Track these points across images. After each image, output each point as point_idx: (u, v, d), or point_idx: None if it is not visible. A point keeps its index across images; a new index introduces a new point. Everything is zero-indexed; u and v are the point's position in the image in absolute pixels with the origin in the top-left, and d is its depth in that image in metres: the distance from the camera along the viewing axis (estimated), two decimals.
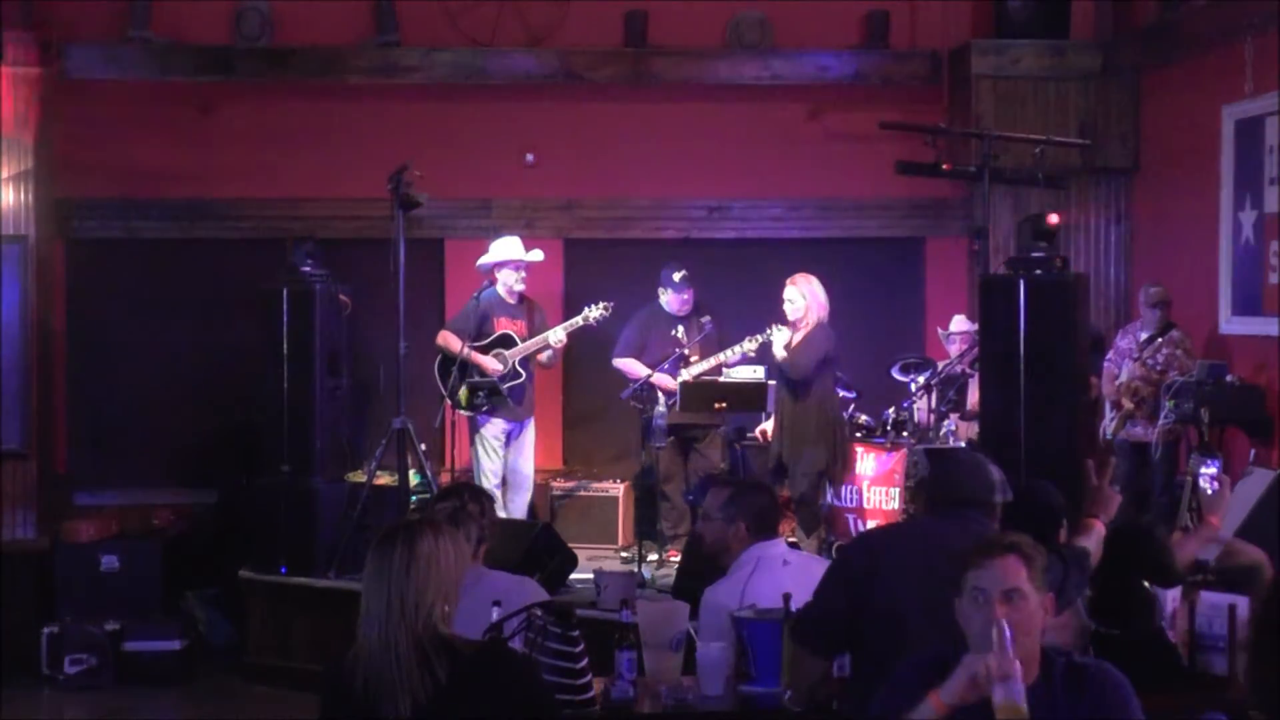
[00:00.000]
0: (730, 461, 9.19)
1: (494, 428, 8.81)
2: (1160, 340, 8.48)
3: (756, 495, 5.17)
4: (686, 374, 8.74)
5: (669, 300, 9.00)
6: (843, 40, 10.07)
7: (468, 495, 4.95)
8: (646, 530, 8.84)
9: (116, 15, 9.62)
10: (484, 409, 8.73)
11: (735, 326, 9.01)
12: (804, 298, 8.48)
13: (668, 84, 9.97)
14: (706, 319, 9.01)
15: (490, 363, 8.71)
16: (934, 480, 4.65)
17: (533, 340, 8.77)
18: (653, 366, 8.82)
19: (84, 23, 9.59)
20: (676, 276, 8.94)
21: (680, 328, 8.93)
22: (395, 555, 3.36)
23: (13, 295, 9.01)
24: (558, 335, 8.75)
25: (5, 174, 9.07)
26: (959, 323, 9.21)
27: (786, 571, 4.91)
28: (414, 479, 8.42)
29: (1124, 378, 8.51)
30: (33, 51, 9.11)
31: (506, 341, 8.78)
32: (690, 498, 8.82)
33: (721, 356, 8.78)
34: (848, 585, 4.36)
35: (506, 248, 8.88)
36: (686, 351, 8.84)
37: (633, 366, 8.92)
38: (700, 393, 8.62)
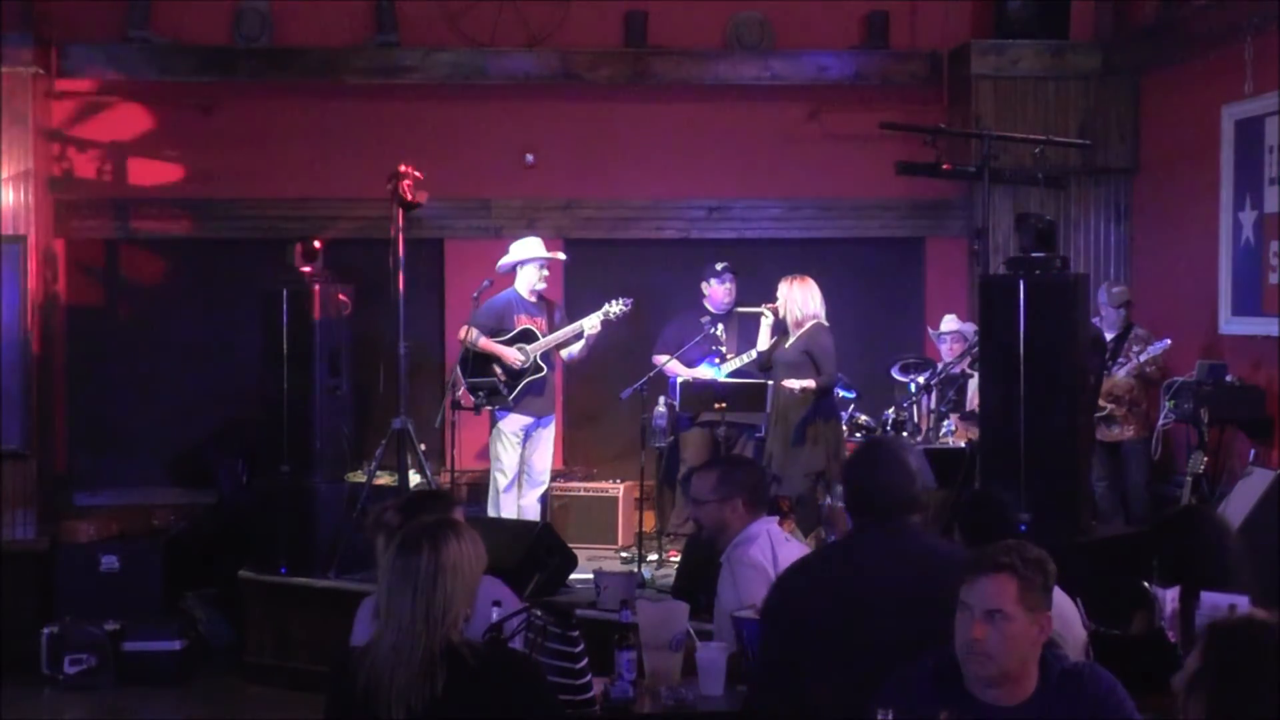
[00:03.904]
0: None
1: (513, 423, 8.77)
2: (1129, 340, 8.52)
3: (747, 470, 5.19)
4: (720, 372, 8.85)
5: (710, 293, 9.10)
6: (843, 40, 10.07)
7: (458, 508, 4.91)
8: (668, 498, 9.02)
9: (116, 15, 9.62)
10: (483, 407, 8.73)
11: (735, 326, 9.05)
12: (782, 296, 8.64)
13: (667, 84, 9.96)
14: (706, 319, 9.03)
15: (512, 354, 8.69)
16: (855, 491, 4.06)
17: (557, 334, 8.75)
18: (688, 364, 8.93)
19: (84, 23, 9.58)
20: (718, 266, 9.08)
21: (720, 326, 8.97)
22: (422, 560, 3.31)
23: (13, 295, 8.99)
24: (592, 323, 8.71)
25: (5, 174, 9.06)
26: (949, 322, 9.22)
27: (793, 545, 5.03)
28: (414, 479, 8.42)
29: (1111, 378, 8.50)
30: (32, 51, 9.11)
31: (528, 336, 8.77)
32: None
33: (753, 353, 8.84)
34: (776, 628, 4.01)
35: (530, 246, 8.89)
36: (724, 349, 8.90)
37: (669, 364, 8.94)
38: (700, 393, 8.65)
